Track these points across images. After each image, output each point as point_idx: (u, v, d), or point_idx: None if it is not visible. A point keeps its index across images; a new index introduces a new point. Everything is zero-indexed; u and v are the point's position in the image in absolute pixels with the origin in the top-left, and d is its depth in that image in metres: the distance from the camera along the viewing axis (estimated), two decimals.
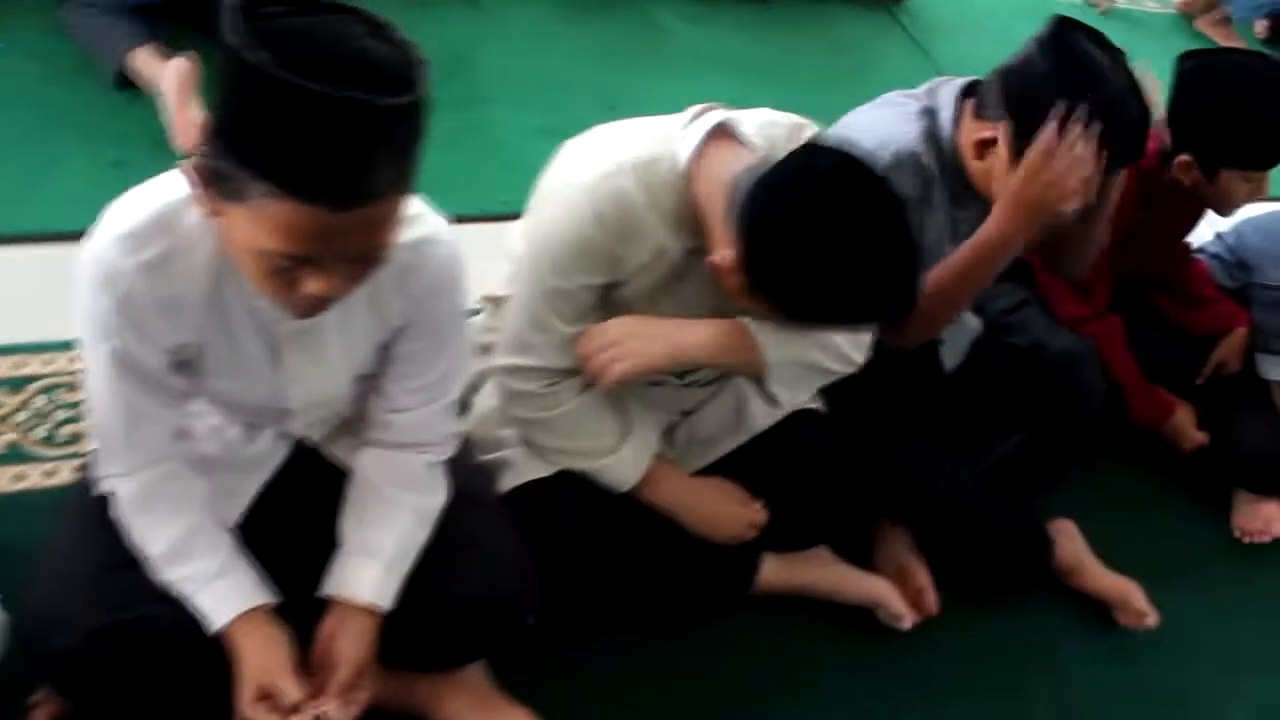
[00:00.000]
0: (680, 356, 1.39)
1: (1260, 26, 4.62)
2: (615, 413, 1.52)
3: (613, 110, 2.80)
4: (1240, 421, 2.26)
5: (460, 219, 1.31)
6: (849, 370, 1.48)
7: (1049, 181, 1.48)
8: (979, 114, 1.59)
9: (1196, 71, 1.93)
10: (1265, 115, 1.87)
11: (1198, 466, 2.30)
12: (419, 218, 1.18)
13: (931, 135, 1.61)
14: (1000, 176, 1.55)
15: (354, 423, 1.37)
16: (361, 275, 1.05)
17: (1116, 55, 1.53)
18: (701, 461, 1.64)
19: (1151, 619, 1.96)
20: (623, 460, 1.51)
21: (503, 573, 1.36)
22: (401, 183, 0.98)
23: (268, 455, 1.37)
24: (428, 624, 1.33)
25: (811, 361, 1.42)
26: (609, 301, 1.41)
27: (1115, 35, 1.59)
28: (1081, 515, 2.09)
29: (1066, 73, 1.49)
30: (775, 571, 1.74)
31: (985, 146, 1.57)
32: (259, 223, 0.94)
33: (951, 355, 1.94)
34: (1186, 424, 2.29)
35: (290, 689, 1.20)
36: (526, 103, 2.75)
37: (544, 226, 1.36)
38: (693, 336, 1.38)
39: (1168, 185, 2.03)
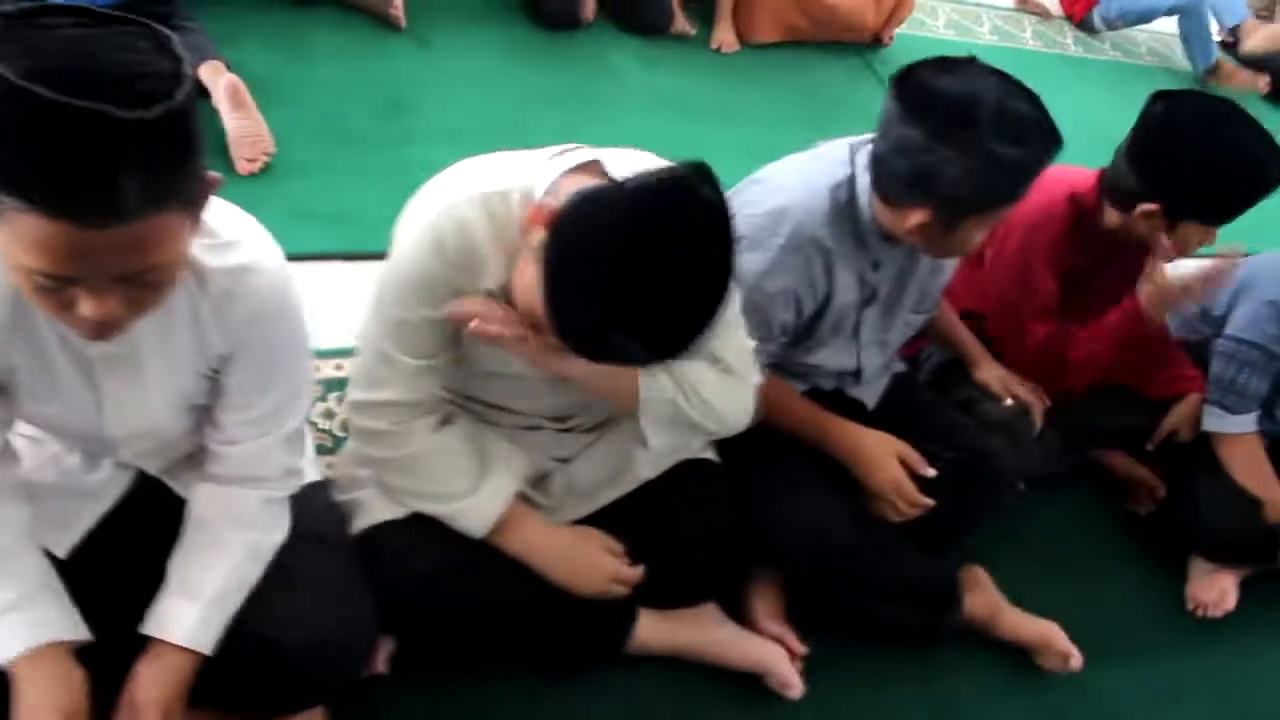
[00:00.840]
0: (561, 366, 1.31)
1: (1261, 83, 4.56)
2: (471, 455, 1.45)
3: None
4: (1199, 486, 2.14)
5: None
6: (722, 431, 1.44)
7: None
8: (886, 199, 1.55)
9: (1167, 117, 1.83)
10: (1240, 171, 1.79)
11: (1154, 528, 2.20)
12: (237, 244, 1.14)
13: (839, 207, 1.59)
14: (934, 244, 1.56)
15: (197, 456, 1.32)
16: (143, 299, 1.00)
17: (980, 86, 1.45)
18: (580, 511, 1.57)
19: (1076, 660, 1.85)
20: (476, 506, 1.43)
21: (333, 620, 1.30)
22: (162, 202, 0.92)
23: (106, 485, 1.33)
24: (251, 668, 1.27)
25: (677, 411, 1.37)
26: (460, 339, 1.37)
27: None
28: (1024, 579, 1.98)
29: (936, 128, 1.43)
30: (654, 629, 1.63)
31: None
32: (14, 239, 0.91)
33: (871, 394, 1.88)
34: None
35: None
36: (466, 143, 2.67)
37: (391, 258, 1.32)
38: None
39: (1116, 229, 1.95)
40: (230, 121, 2.42)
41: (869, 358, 1.81)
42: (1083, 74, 4.28)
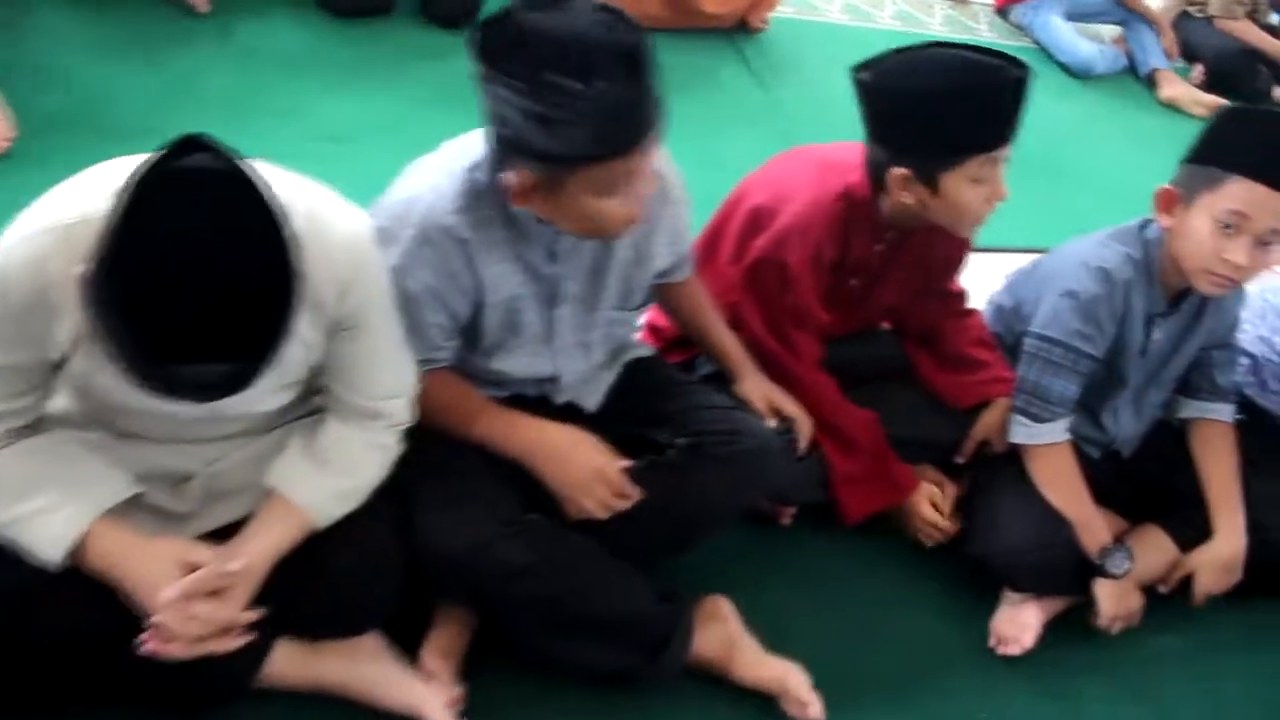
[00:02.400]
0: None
1: (1195, 73, 4.36)
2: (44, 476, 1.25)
3: (336, 142, 2.56)
4: (999, 503, 1.88)
5: None
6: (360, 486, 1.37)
7: None
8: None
9: (877, 79, 1.64)
10: (963, 94, 1.59)
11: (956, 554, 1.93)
12: None
13: (477, 189, 1.40)
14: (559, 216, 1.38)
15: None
16: None
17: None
18: (225, 517, 1.37)
19: (815, 710, 1.59)
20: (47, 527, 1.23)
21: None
22: None
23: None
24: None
25: (338, 488, 1.33)
26: (70, 373, 1.21)
27: None
28: (800, 615, 1.75)
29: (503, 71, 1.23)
30: (293, 662, 1.42)
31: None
32: None
33: (589, 396, 1.64)
34: (921, 506, 1.93)
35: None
36: (242, 130, 2.47)
37: None
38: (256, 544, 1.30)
39: (896, 215, 1.74)
40: None
41: (567, 362, 1.58)
42: None
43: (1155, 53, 4.26)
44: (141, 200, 0.96)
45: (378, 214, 1.38)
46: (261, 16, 2.97)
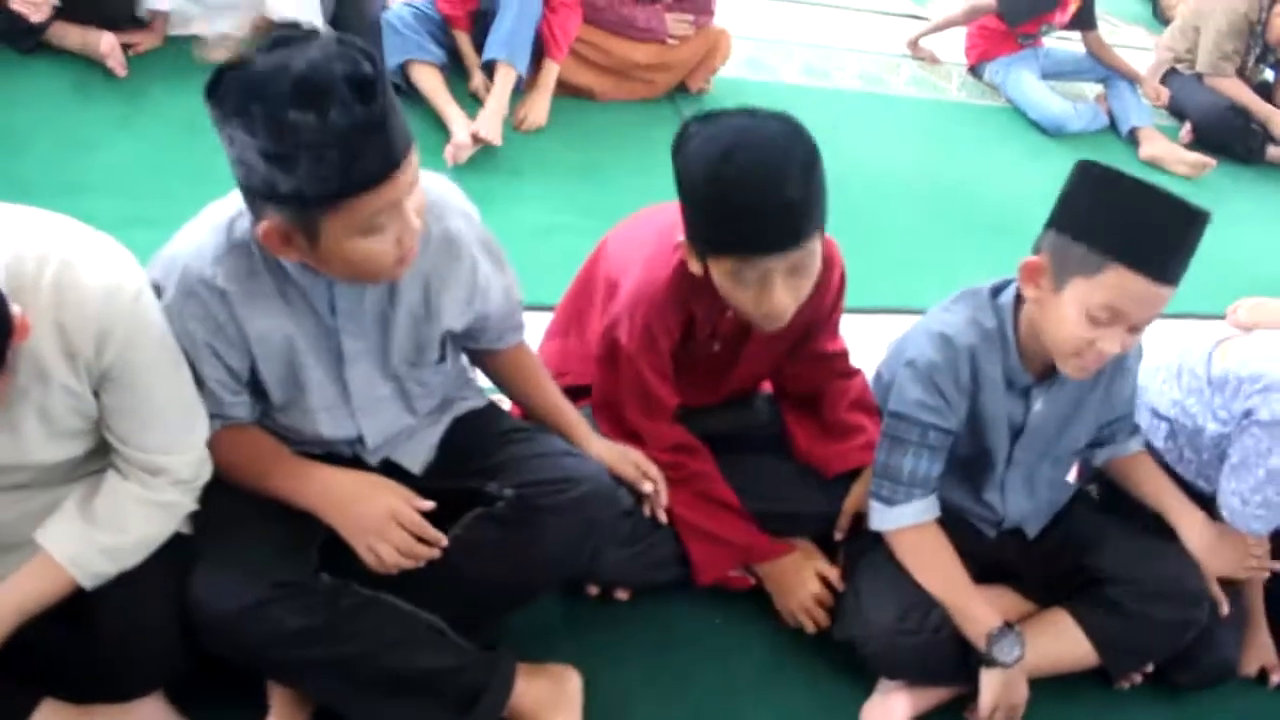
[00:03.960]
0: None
1: (1183, 131, 4.22)
2: None
3: None
4: (867, 585, 1.72)
5: None
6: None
7: None
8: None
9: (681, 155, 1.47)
10: (714, 199, 1.42)
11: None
12: None
13: (238, 241, 1.37)
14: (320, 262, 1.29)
15: None
16: None
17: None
18: (7, 571, 1.30)
19: None
20: None
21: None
22: None
23: None
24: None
25: (105, 545, 1.29)
26: None
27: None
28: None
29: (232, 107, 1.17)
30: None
31: None
32: None
33: (410, 457, 1.56)
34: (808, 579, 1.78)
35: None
36: (126, 190, 2.45)
37: None
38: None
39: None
40: None
41: (370, 421, 1.50)
42: (963, 120, 3.93)
43: (1136, 110, 4.12)
44: None
45: (152, 267, 1.35)
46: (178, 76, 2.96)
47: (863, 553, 1.76)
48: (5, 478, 1.30)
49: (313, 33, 1.18)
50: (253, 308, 1.34)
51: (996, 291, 1.66)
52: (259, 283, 1.33)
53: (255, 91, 1.14)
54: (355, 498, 1.41)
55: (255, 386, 1.43)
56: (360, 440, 1.51)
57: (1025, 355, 1.63)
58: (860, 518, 1.79)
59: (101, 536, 1.29)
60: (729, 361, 1.78)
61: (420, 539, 1.40)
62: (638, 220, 1.80)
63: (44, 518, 1.31)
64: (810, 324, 1.78)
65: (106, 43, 2.82)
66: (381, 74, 1.18)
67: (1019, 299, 1.62)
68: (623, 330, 1.64)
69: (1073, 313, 1.49)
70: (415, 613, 1.44)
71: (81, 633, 1.30)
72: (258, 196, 1.22)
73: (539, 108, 3.12)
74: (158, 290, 1.32)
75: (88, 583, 1.29)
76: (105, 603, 1.31)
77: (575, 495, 1.48)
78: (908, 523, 1.67)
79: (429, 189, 1.35)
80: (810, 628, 1.78)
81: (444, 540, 1.43)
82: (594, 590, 1.75)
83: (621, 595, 1.77)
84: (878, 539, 1.74)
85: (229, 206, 1.34)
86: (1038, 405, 1.69)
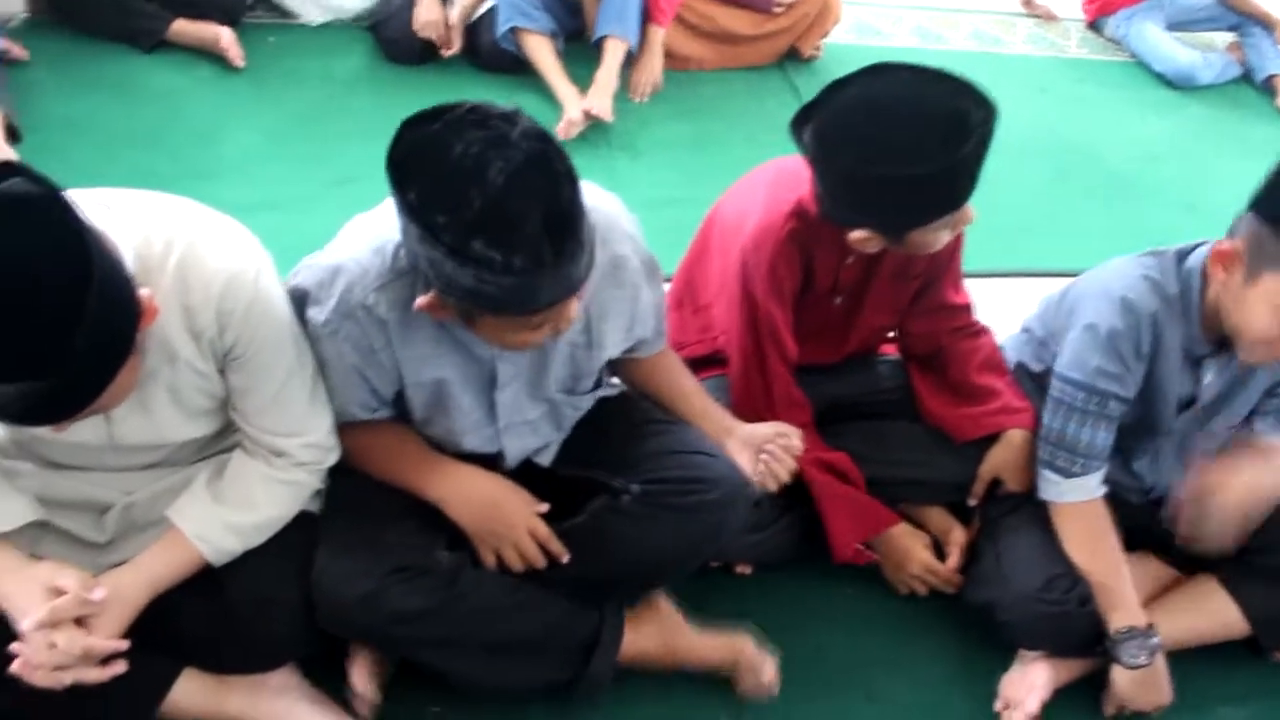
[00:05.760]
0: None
1: None
2: None
3: (341, 185, 2.55)
4: (1005, 548, 1.66)
5: None
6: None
7: None
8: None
9: (822, 148, 1.47)
10: (922, 179, 1.42)
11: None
12: None
13: (401, 271, 1.36)
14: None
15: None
16: None
17: None
18: (142, 548, 1.34)
19: (769, 673, 1.54)
20: None
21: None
22: None
23: None
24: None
25: (233, 523, 1.32)
26: None
27: None
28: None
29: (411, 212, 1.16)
30: (199, 694, 1.39)
31: None
32: None
33: (545, 455, 1.55)
34: (916, 549, 1.73)
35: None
36: (248, 177, 2.50)
37: None
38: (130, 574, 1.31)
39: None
40: None
41: (514, 441, 1.49)
42: (1084, 76, 3.76)
43: (1275, 57, 3.87)
44: None
45: (303, 273, 1.36)
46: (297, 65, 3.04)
47: (1002, 516, 1.70)
48: (138, 457, 1.34)
49: (514, 114, 1.15)
50: (409, 339, 1.33)
51: (1183, 256, 1.56)
52: (418, 314, 1.29)
53: (441, 201, 1.11)
54: (488, 501, 1.43)
55: (398, 402, 1.43)
56: (500, 455, 1.50)
57: (1206, 325, 1.54)
58: (995, 482, 1.73)
59: (229, 514, 1.32)
60: (852, 311, 1.75)
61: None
62: (746, 181, 1.77)
63: (175, 496, 1.34)
64: (929, 271, 1.74)
65: (226, 37, 2.91)
66: (578, 197, 1.15)
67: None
68: (752, 282, 1.61)
69: (1263, 309, 1.41)
70: (521, 581, 1.45)
71: (214, 607, 1.34)
72: (423, 276, 1.22)
73: (654, 69, 3.09)
74: (308, 298, 1.33)
75: (215, 559, 1.32)
76: (234, 579, 1.34)
77: (705, 499, 1.45)
78: (1080, 497, 1.59)
79: (596, 209, 1.28)
80: (923, 592, 1.75)
81: (566, 556, 1.44)
82: (715, 564, 1.73)
83: (743, 570, 1.75)
84: (1019, 503, 1.68)
85: (387, 226, 1.29)
86: (1209, 376, 1.60)
